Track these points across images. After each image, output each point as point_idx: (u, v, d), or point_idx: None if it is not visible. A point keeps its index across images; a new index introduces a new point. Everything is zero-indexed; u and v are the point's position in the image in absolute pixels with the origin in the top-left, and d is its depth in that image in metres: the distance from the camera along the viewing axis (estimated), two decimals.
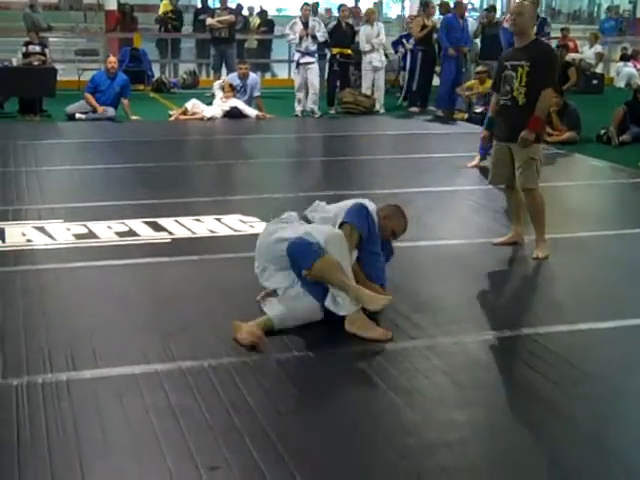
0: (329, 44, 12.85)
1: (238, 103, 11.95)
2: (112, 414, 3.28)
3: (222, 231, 5.93)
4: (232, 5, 15.86)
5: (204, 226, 6.02)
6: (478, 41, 14.03)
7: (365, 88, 13.29)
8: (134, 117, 11.60)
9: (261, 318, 4.09)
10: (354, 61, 13.52)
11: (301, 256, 4.10)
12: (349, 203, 4.45)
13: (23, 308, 4.39)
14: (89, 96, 11.45)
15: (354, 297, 4.07)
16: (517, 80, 5.45)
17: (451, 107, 12.81)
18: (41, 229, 5.82)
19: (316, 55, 12.60)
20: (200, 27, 16.19)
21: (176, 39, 17.17)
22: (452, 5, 13.72)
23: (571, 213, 6.93)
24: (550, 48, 5.77)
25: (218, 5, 14.49)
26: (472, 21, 14.52)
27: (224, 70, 13.76)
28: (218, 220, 6.16)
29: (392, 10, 41.51)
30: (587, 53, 18.39)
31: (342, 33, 12.93)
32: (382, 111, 13.07)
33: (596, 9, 43.05)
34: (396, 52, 14.50)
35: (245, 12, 18.96)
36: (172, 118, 11.86)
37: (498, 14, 17.90)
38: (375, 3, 26.74)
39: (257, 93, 12.37)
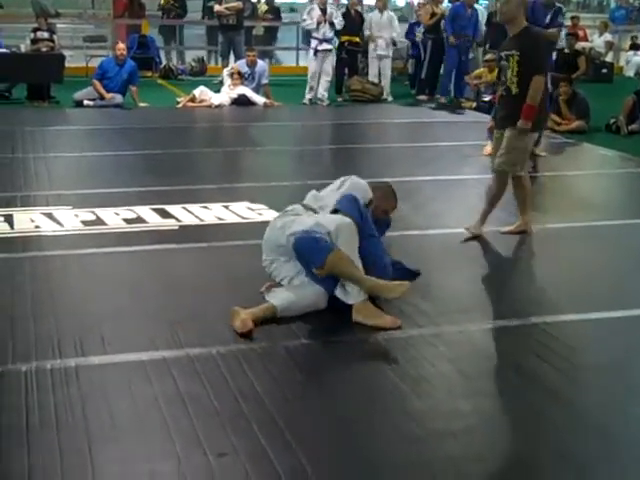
0: (338, 32, 12.82)
1: (246, 90, 11.93)
2: (120, 400, 3.30)
3: (230, 218, 5.94)
4: None
5: (212, 213, 6.03)
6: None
7: (372, 76, 13.27)
8: (142, 104, 11.60)
9: (263, 305, 4.10)
10: (362, 49, 13.49)
11: (310, 253, 4.09)
12: (340, 189, 4.50)
13: (32, 294, 4.40)
14: (97, 83, 11.46)
15: (368, 288, 4.08)
16: (510, 70, 5.47)
17: (459, 95, 12.81)
18: (49, 215, 5.84)
19: (333, 42, 12.53)
20: (209, 14, 16.15)
21: (180, 26, 17.14)
22: None
23: (579, 202, 6.91)
24: (538, 35, 5.67)
25: None
26: (483, 10, 14.43)
27: (232, 57, 13.74)
28: (226, 207, 6.17)
29: None
30: (597, 42, 18.33)
31: (351, 21, 12.89)
32: (389, 99, 13.05)
33: None
34: (412, 42, 14.35)
35: None
36: (180, 105, 11.85)
37: None
38: None
39: (265, 80, 12.35)
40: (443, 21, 13.05)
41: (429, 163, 8.30)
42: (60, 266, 4.94)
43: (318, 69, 12.37)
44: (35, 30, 12.72)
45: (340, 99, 13.04)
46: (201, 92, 11.93)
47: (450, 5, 13.81)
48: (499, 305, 4.59)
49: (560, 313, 4.36)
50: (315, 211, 4.49)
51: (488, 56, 12.41)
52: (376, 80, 13.20)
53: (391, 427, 3.19)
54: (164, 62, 15.73)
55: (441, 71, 13.50)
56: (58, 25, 15.64)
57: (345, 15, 12.99)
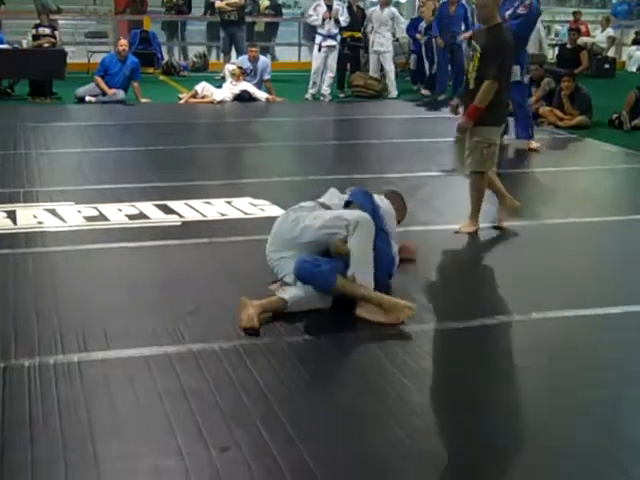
0: (340, 28, 12.80)
1: (248, 86, 11.93)
2: (123, 395, 3.30)
3: (232, 214, 5.94)
4: None
5: (214, 209, 6.03)
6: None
7: (372, 71, 13.27)
8: (144, 100, 11.61)
9: (273, 297, 4.09)
10: (364, 45, 13.48)
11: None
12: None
13: (34, 289, 4.41)
14: (99, 79, 11.46)
15: (377, 305, 4.07)
16: (472, 64, 5.46)
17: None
18: (52, 211, 5.84)
19: (337, 38, 12.51)
20: (211, 10, 16.14)
21: (182, 22, 17.12)
22: None
23: (582, 198, 6.90)
24: (502, 37, 5.42)
25: None
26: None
27: (234, 53, 13.74)
28: (228, 203, 6.17)
29: None
30: (599, 37, 18.28)
31: (353, 16, 12.87)
32: (394, 95, 12.99)
33: None
34: (413, 38, 14.29)
35: None
36: (182, 101, 11.86)
37: None
38: None
39: (267, 76, 12.34)
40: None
41: (431, 158, 8.29)
42: (63, 262, 4.95)
43: (322, 65, 12.36)
44: (37, 26, 12.72)
45: (342, 95, 13.04)
46: (203, 88, 11.93)
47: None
48: (501, 301, 4.58)
49: (561, 309, 4.35)
50: (329, 208, 4.47)
51: None
52: (377, 76, 13.19)
53: (393, 421, 3.19)
54: (166, 58, 15.72)
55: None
56: (60, 21, 15.63)
57: (348, 10, 12.97)
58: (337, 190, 4.73)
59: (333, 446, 2.98)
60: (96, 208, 5.91)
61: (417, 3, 17.01)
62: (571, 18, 18.30)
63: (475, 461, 2.94)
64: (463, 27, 12.65)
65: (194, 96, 11.86)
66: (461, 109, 5.91)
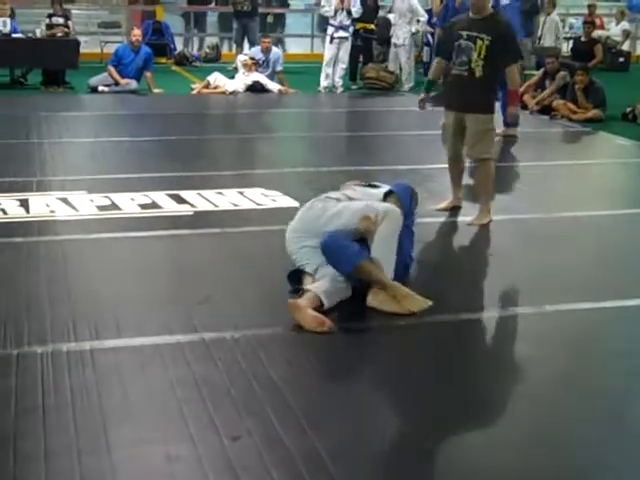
0: (353, 19, 12.76)
1: (260, 77, 11.92)
2: (135, 383, 3.31)
3: (244, 204, 5.94)
4: None
5: (226, 199, 6.03)
6: None
7: (391, 62, 13.17)
8: (156, 90, 11.61)
9: (310, 294, 3.98)
10: (377, 36, 13.42)
11: (338, 261, 4.04)
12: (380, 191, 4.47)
13: (47, 278, 4.42)
14: (112, 69, 11.48)
15: (391, 295, 4.05)
16: (476, 52, 5.46)
17: None
18: (64, 200, 5.85)
19: (350, 29, 12.46)
20: (223, 0, 16.13)
21: (202, 13, 17.11)
22: None
23: (595, 191, 6.88)
24: (509, 23, 5.80)
25: None
26: None
27: (246, 44, 13.73)
28: (240, 193, 6.17)
29: None
30: (614, 30, 18.17)
31: (366, 8, 12.82)
32: (407, 87, 12.91)
33: None
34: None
35: None
36: (194, 92, 11.86)
37: None
38: None
39: (279, 67, 12.33)
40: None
41: (441, 151, 8.24)
42: (75, 250, 4.96)
43: (334, 56, 12.33)
44: (50, 16, 12.73)
45: (354, 86, 13.01)
46: (215, 78, 11.93)
47: None
48: (514, 292, 4.59)
49: (575, 301, 4.33)
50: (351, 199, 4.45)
51: None
52: (394, 68, 13.09)
53: (406, 413, 3.19)
54: (180, 48, 15.73)
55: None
56: (73, 11, 15.66)
57: (361, 2, 12.93)
58: (355, 182, 4.68)
59: (345, 436, 2.98)
60: (108, 197, 5.92)
61: None
62: (586, 11, 18.20)
63: (489, 455, 2.93)
64: None
65: (206, 87, 11.86)
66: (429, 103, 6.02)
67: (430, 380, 3.47)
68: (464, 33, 5.52)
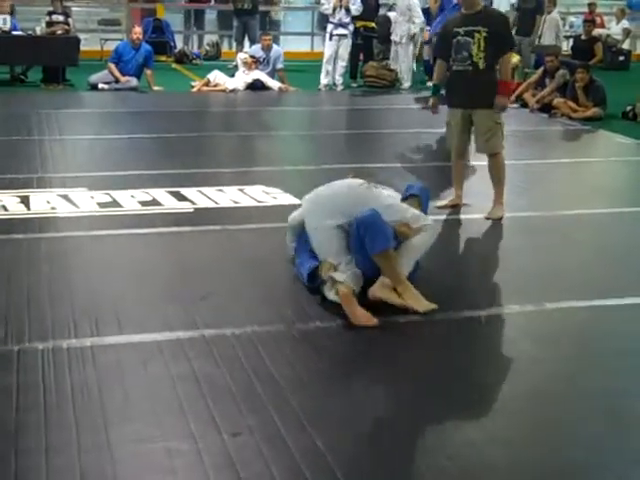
0: (353, 17, 12.75)
1: (261, 75, 11.92)
2: (136, 380, 3.32)
3: (245, 202, 5.94)
4: None
5: (227, 197, 6.03)
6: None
7: (392, 60, 13.16)
8: (156, 88, 11.61)
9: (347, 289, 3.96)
10: (378, 34, 13.42)
11: (373, 238, 3.99)
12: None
13: (48, 274, 4.43)
14: (112, 66, 11.48)
15: (400, 291, 4.04)
16: (475, 45, 5.51)
17: None
18: (65, 197, 5.86)
19: (349, 27, 12.46)
20: None
21: (201, 10, 17.09)
22: None
23: (596, 189, 6.88)
24: (502, 13, 6.07)
25: None
26: None
27: (247, 42, 13.74)
28: (241, 191, 6.17)
29: None
30: (614, 29, 18.17)
31: (367, 6, 12.82)
32: (406, 85, 12.91)
33: None
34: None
35: None
36: (194, 89, 11.86)
37: None
38: None
39: (280, 65, 12.33)
40: None
41: (441, 149, 8.26)
42: (76, 247, 4.97)
43: (333, 54, 12.33)
44: (50, 13, 12.74)
45: (355, 85, 13.01)
46: (215, 76, 11.93)
47: None
48: (517, 290, 4.56)
49: (576, 299, 4.34)
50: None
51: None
52: (395, 66, 13.09)
53: (406, 410, 3.19)
54: (180, 46, 15.72)
55: None
56: (73, 8, 15.66)
57: (361, 0, 12.94)
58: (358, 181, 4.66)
59: (345, 433, 2.99)
60: (109, 194, 5.93)
61: None
62: (586, 10, 18.19)
63: (489, 453, 2.93)
64: None
65: (207, 84, 11.86)
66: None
67: (431, 378, 3.47)
68: (460, 30, 5.56)
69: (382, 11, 13.95)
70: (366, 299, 4.01)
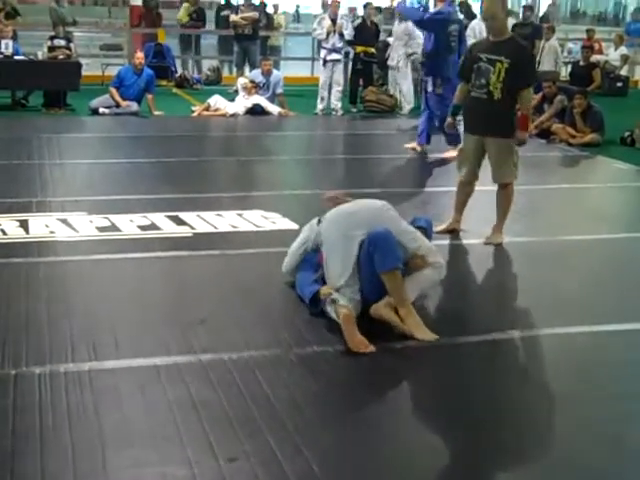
0: (353, 42, 12.85)
1: (261, 100, 11.98)
2: (133, 404, 3.32)
3: (244, 226, 5.96)
4: (256, 1, 15.87)
5: (226, 221, 6.05)
6: None
7: (390, 85, 13.21)
8: (157, 112, 11.66)
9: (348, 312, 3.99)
10: (377, 60, 13.50)
11: (385, 254, 4.04)
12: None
13: (46, 298, 4.43)
14: (113, 91, 11.54)
15: (403, 315, 4.05)
16: (494, 75, 5.53)
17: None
18: (64, 221, 5.87)
19: (342, 52, 12.56)
20: (223, 23, 16.21)
21: (196, 35, 17.18)
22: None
23: (594, 215, 6.90)
24: (528, 48, 6.01)
25: (242, 1, 14.55)
26: (478, 22, 14.19)
27: (247, 67, 13.82)
28: (240, 215, 6.19)
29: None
30: (612, 55, 18.28)
31: (367, 31, 12.92)
32: (404, 111, 12.92)
33: (622, 11, 42.79)
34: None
35: (270, 10, 18.92)
36: (195, 114, 11.91)
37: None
38: None
39: (280, 90, 12.39)
40: None
41: (441, 174, 8.30)
42: (74, 271, 4.98)
43: (328, 79, 12.41)
44: (52, 38, 12.81)
45: (354, 109, 13.07)
46: (216, 101, 11.98)
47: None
48: (518, 315, 4.57)
49: (575, 324, 4.35)
50: None
51: None
52: (393, 91, 13.14)
53: (404, 434, 3.19)
54: (180, 71, 15.81)
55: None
56: (75, 33, 15.76)
57: (361, 25, 13.03)
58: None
59: (341, 457, 2.99)
60: (108, 218, 5.94)
61: None
62: (584, 36, 18.32)
63: (488, 475, 2.93)
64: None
65: (207, 109, 11.92)
66: (461, 126, 5.99)
67: (430, 402, 3.47)
68: (483, 56, 5.58)
69: (382, 37, 14.04)
70: (366, 319, 4.02)
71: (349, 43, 12.76)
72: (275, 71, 12.67)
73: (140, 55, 11.86)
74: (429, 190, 7.38)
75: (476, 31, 12.41)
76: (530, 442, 3.19)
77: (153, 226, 5.84)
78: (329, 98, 12.52)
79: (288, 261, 4.63)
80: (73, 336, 3.91)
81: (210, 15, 18.42)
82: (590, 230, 6.29)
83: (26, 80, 11.74)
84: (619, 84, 16.79)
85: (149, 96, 11.67)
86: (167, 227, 5.84)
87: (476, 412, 3.41)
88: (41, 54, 12.22)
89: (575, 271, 5.37)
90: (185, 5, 16.98)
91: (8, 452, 2.92)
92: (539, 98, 11.14)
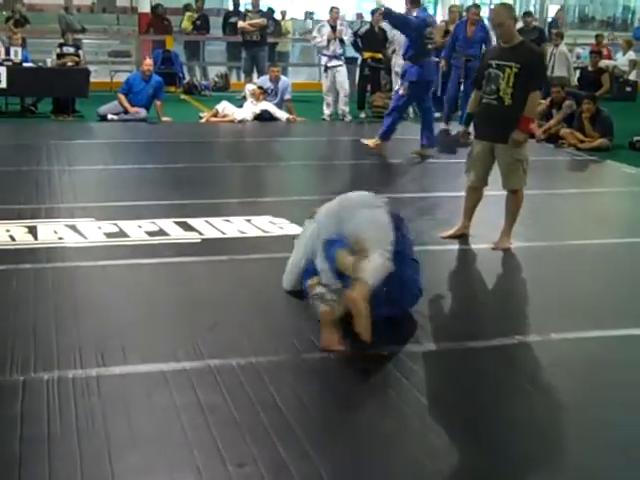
0: (360, 48, 12.85)
1: (269, 106, 12.00)
2: (141, 410, 3.32)
3: (252, 232, 5.96)
4: (263, 8, 15.90)
5: (234, 227, 6.05)
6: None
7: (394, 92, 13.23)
8: (165, 118, 11.69)
9: (333, 308, 3.99)
10: (385, 65, 13.51)
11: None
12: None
13: (54, 304, 4.44)
14: (122, 97, 11.57)
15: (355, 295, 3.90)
16: (504, 80, 5.52)
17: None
18: (73, 227, 5.89)
19: (343, 57, 12.57)
20: (230, 30, 16.25)
21: (203, 42, 17.21)
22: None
23: (602, 220, 6.88)
24: (539, 52, 6.01)
25: (250, 8, 14.59)
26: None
27: (255, 73, 13.84)
28: (248, 221, 6.19)
29: None
30: (620, 60, 18.25)
31: (374, 37, 12.92)
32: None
33: (630, 16, 42.73)
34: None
35: (278, 16, 18.94)
36: (203, 120, 11.93)
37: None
38: None
39: (288, 96, 12.40)
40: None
41: (449, 179, 8.28)
42: (83, 277, 4.99)
43: (331, 85, 12.43)
44: (61, 45, 12.88)
45: (363, 115, 13.07)
46: (224, 107, 12.01)
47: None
48: (519, 320, 4.57)
49: (581, 330, 4.33)
50: None
51: None
52: None
53: (409, 439, 3.18)
54: (187, 77, 15.84)
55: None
56: (84, 40, 15.83)
57: (369, 31, 13.04)
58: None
59: (349, 462, 2.98)
60: (116, 224, 5.95)
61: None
62: (593, 41, 18.30)
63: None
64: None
65: (215, 115, 11.94)
66: (472, 135, 5.99)
67: (434, 408, 3.46)
68: (494, 62, 5.59)
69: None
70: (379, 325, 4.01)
71: (356, 49, 12.74)
72: (283, 77, 12.69)
73: (148, 62, 11.90)
74: (437, 195, 7.37)
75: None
76: (537, 448, 3.17)
77: (161, 232, 5.85)
78: (336, 104, 12.53)
79: (290, 278, 4.61)
80: (81, 342, 3.92)
81: (217, 22, 18.46)
82: (598, 235, 6.27)
83: (35, 87, 11.80)
84: (628, 89, 16.76)
85: (157, 102, 11.69)
86: (175, 233, 5.85)
87: (483, 417, 3.39)
88: (50, 61, 12.27)
89: (583, 276, 5.35)
90: (188, 14, 17.03)
91: (16, 458, 2.92)
92: (548, 103, 11.12)
